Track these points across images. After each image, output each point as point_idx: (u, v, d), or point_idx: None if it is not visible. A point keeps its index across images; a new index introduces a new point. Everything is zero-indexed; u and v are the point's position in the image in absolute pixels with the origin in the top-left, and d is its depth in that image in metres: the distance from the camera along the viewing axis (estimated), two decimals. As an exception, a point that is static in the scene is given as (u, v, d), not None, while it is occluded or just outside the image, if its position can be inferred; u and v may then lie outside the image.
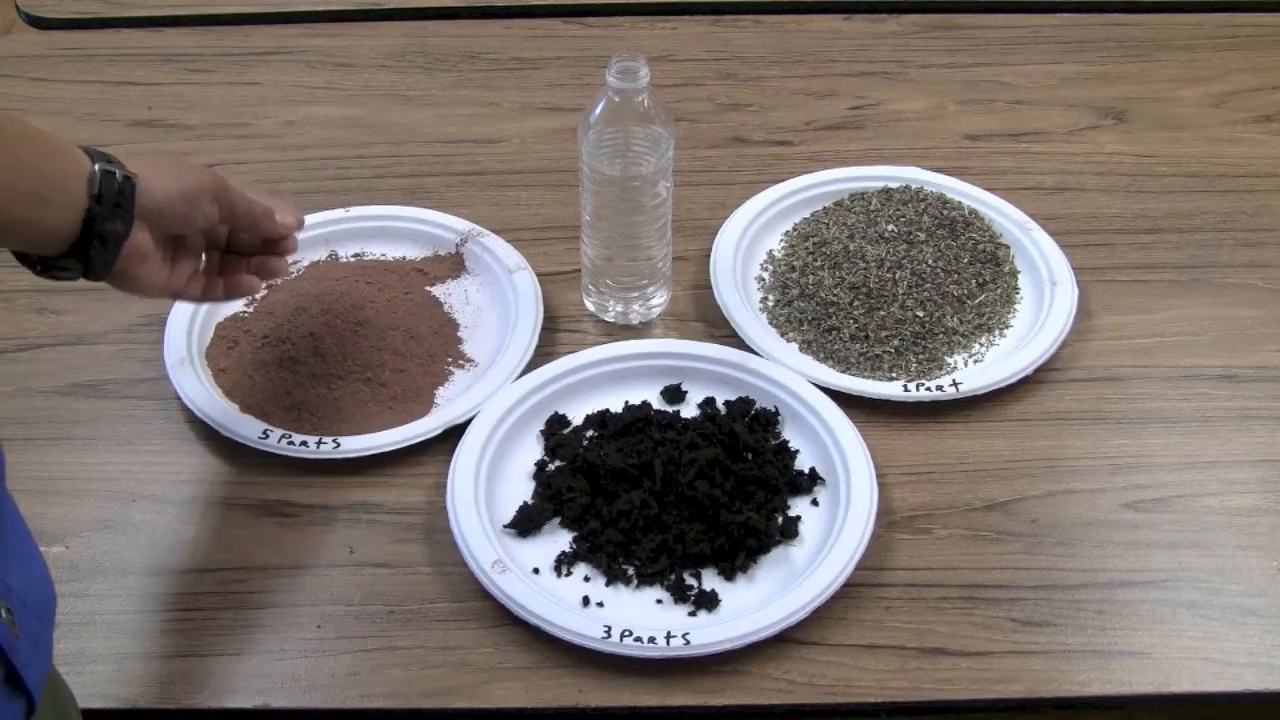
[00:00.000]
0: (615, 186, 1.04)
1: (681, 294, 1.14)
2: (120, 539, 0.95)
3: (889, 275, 1.10)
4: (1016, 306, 1.12)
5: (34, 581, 0.73)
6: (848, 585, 0.90)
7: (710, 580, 0.93)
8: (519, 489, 0.99)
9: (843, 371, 1.06)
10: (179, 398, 1.03)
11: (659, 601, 0.92)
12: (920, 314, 1.08)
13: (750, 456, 0.99)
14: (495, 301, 1.13)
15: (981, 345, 1.09)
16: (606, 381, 1.05)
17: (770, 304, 1.12)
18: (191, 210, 0.86)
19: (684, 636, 0.87)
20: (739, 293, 1.11)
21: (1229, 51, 1.43)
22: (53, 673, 0.77)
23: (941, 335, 1.08)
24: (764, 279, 1.15)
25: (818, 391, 1.02)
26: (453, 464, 0.98)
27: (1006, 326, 1.10)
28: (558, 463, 1.00)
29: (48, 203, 0.78)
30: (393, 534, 0.96)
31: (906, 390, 1.03)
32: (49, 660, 0.73)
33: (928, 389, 1.03)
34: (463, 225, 1.18)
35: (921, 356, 1.07)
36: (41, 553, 0.75)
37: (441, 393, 1.05)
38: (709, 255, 1.14)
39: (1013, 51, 1.43)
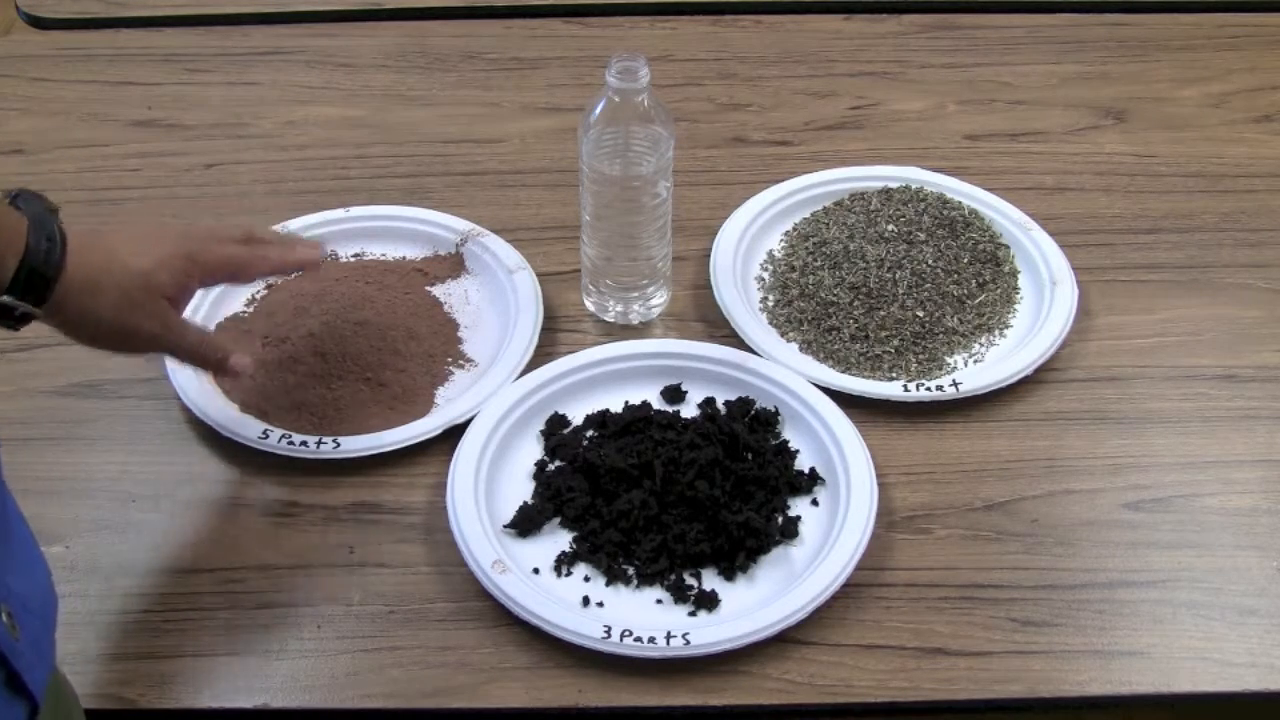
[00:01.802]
0: (615, 186, 1.04)
1: (681, 294, 1.14)
2: (120, 539, 0.95)
3: (889, 275, 1.10)
4: (1016, 306, 1.12)
5: (35, 584, 0.73)
6: (848, 585, 0.90)
7: (710, 580, 0.93)
8: (519, 489, 0.99)
9: (843, 371, 1.06)
10: (179, 398, 1.03)
11: (659, 601, 0.92)
12: (920, 314, 1.08)
13: (750, 456, 0.99)
14: (495, 301, 1.13)
15: (981, 345, 1.09)
16: (606, 381, 1.05)
17: (770, 304, 1.12)
18: (134, 327, 0.87)
19: (684, 636, 0.87)
20: (739, 293, 1.11)
21: (1229, 51, 1.43)
22: (59, 675, 0.76)
23: (941, 335, 1.08)
24: (764, 279, 1.15)
25: (818, 391, 1.02)
26: (453, 464, 0.98)
27: (1006, 326, 1.10)
28: (558, 463, 1.00)
29: None
30: (393, 534, 0.96)
31: (906, 390, 1.03)
32: (51, 663, 0.73)
33: (928, 389, 1.03)
34: (463, 225, 1.18)
35: (921, 356, 1.07)
36: (44, 554, 0.75)
37: (441, 393, 1.05)
38: (709, 255, 1.14)
39: (1013, 51, 1.43)
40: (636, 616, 0.90)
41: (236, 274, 0.94)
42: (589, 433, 1.02)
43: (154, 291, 0.87)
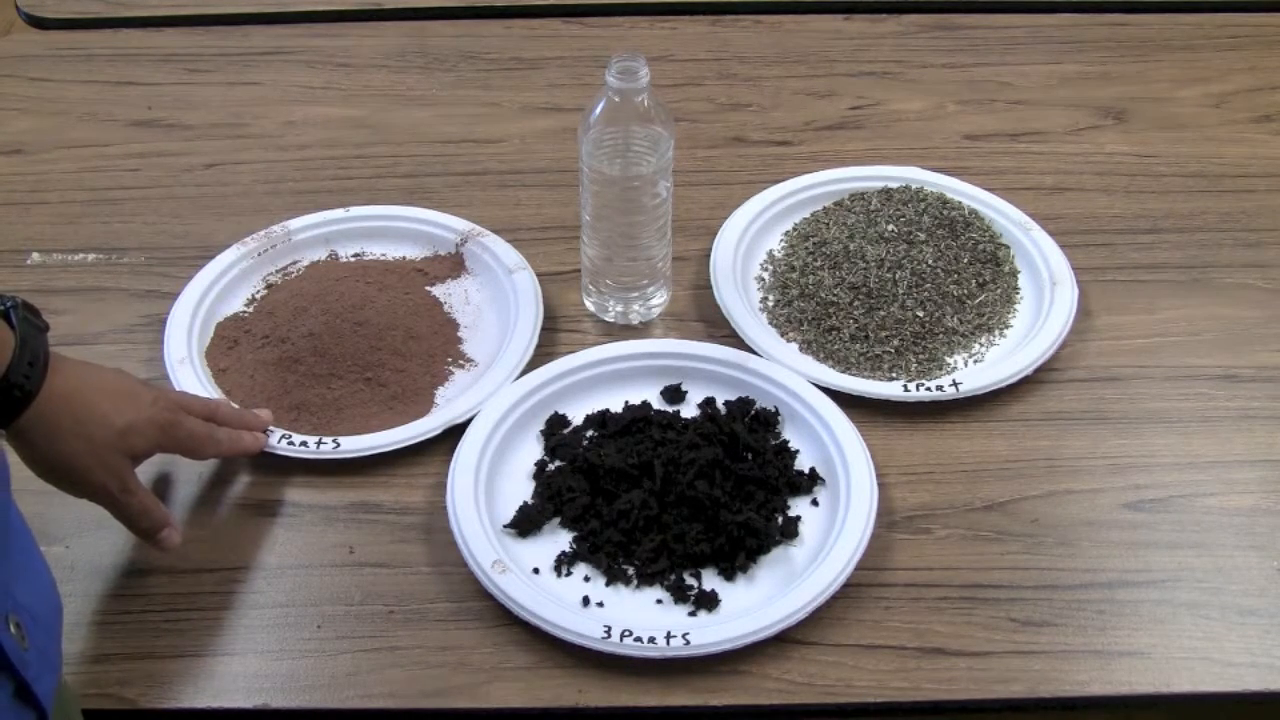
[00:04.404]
0: (615, 186, 1.04)
1: (681, 294, 1.14)
2: (120, 539, 0.95)
3: (889, 275, 1.10)
4: (1016, 306, 1.12)
5: (41, 594, 0.73)
6: (848, 585, 0.90)
7: (710, 580, 0.93)
8: (519, 489, 0.99)
9: (843, 371, 1.06)
10: (179, 398, 1.03)
11: (659, 601, 0.91)
12: (920, 314, 1.08)
13: (750, 456, 0.99)
14: (495, 301, 1.13)
15: (981, 345, 1.09)
16: (606, 381, 1.05)
17: (770, 304, 1.12)
18: (89, 475, 0.87)
19: (684, 636, 0.87)
20: (739, 293, 1.11)
21: (1229, 51, 1.43)
22: (60, 681, 0.76)
23: (941, 335, 1.08)
24: (764, 279, 1.15)
25: (818, 391, 1.02)
26: (453, 464, 0.98)
27: (1006, 326, 1.10)
28: (558, 463, 1.00)
29: None
30: (393, 534, 0.96)
31: (906, 390, 1.03)
32: (58, 671, 0.73)
33: (928, 389, 1.03)
34: (463, 225, 1.18)
35: (921, 356, 1.07)
36: (47, 562, 0.75)
37: (441, 393, 1.05)
38: (709, 255, 1.14)
39: (1013, 51, 1.43)
40: (636, 616, 0.90)
41: (192, 452, 0.95)
42: (589, 433, 1.02)
43: (123, 450, 0.88)
